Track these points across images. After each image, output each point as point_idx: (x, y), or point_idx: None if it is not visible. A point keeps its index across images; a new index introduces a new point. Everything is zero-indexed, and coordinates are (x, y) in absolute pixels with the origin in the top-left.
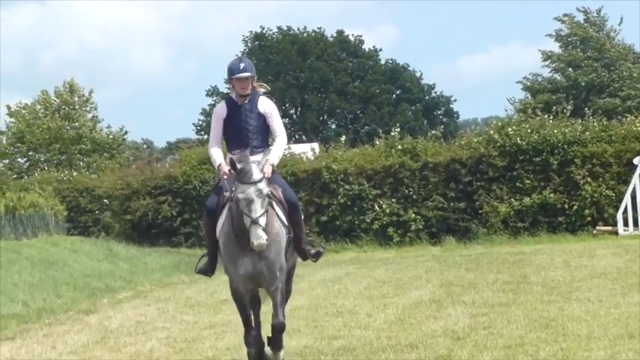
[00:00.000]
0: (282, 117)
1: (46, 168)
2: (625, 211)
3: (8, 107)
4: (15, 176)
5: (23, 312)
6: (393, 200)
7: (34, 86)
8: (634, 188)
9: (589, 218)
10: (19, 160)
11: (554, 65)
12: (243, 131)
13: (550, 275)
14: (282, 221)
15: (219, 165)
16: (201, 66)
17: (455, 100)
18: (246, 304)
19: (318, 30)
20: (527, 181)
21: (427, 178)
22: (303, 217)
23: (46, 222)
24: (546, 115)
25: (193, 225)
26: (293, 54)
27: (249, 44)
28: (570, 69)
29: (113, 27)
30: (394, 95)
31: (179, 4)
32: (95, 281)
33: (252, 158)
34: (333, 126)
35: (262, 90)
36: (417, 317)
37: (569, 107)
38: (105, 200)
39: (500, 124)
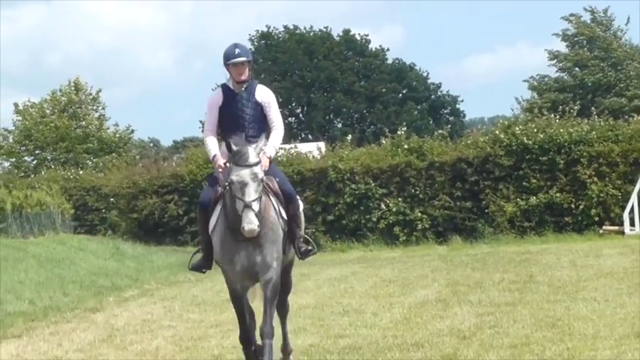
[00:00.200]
0: (289, 116)
1: (53, 166)
2: (631, 210)
3: (16, 105)
4: (22, 174)
5: (30, 310)
6: (400, 199)
7: (41, 86)
8: None
9: (595, 218)
10: (26, 158)
11: (560, 65)
12: (239, 120)
13: (556, 275)
14: (279, 212)
15: (215, 156)
16: (208, 66)
17: (462, 101)
18: (244, 304)
19: (324, 29)
20: (534, 181)
21: (433, 177)
22: (302, 208)
23: (53, 220)
24: (553, 115)
25: None
26: (299, 53)
27: (255, 43)
28: (577, 68)
29: (121, 27)
30: (400, 94)
31: (186, 5)
32: (102, 279)
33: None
34: (340, 125)
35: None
36: (423, 316)
37: (576, 107)
38: (111, 199)
39: (506, 123)
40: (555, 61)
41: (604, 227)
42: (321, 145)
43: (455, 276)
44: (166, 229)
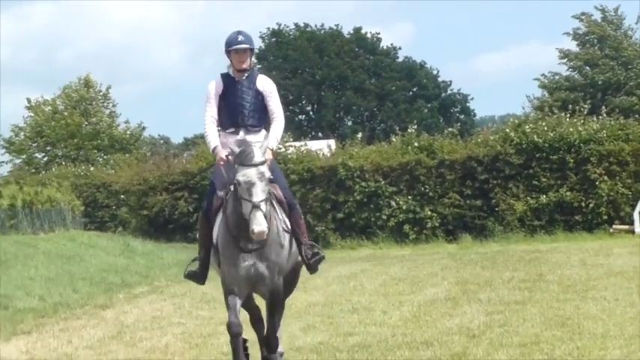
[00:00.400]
0: (299, 113)
1: (64, 163)
2: None
3: (28, 100)
4: (33, 171)
5: (39, 306)
6: (409, 197)
7: (52, 82)
8: None
9: (605, 217)
10: (36, 155)
11: (571, 63)
12: (239, 108)
13: (566, 273)
14: (282, 222)
15: (215, 148)
16: (219, 64)
17: (472, 99)
18: (237, 310)
19: (335, 27)
20: (544, 179)
21: (443, 175)
22: (302, 218)
23: (63, 217)
24: (563, 114)
25: None
26: (310, 51)
27: (266, 41)
28: (587, 67)
29: (132, 24)
30: (410, 92)
31: (198, 3)
32: (111, 276)
33: (249, 137)
34: (350, 123)
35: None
36: (432, 315)
37: (586, 105)
38: (122, 196)
39: (517, 122)
40: (566, 59)
41: (614, 226)
42: (332, 142)
43: (464, 274)
44: (176, 225)
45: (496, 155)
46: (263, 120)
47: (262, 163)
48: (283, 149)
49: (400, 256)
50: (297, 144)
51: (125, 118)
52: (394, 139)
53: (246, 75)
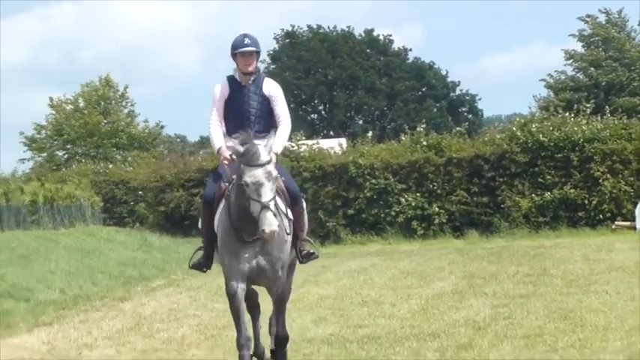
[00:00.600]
0: (312, 112)
1: (83, 160)
2: None
3: (50, 99)
4: (54, 168)
5: (60, 299)
6: (418, 194)
7: (73, 82)
8: None
9: (608, 213)
10: (57, 152)
11: (576, 64)
12: (245, 114)
13: (569, 268)
14: (285, 214)
15: (220, 149)
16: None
17: (480, 99)
18: (240, 302)
19: (346, 29)
20: (549, 177)
21: (451, 173)
22: (305, 209)
23: (83, 212)
24: (568, 113)
25: None
26: (323, 52)
27: (280, 42)
28: (592, 68)
29: (150, 27)
30: (420, 92)
31: (214, 5)
32: (130, 270)
33: (255, 142)
34: (361, 122)
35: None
36: (439, 307)
37: (590, 105)
38: (140, 192)
39: (522, 121)
40: (571, 60)
41: (616, 222)
42: (343, 141)
43: (471, 269)
44: (192, 221)
45: (502, 154)
46: (269, 125)
47: (269, 162)
48: (296, 147)
49: (409, 251)
50: (310, 142)
51: (144, 117)
52: (403, 138)
53: (252, 79)
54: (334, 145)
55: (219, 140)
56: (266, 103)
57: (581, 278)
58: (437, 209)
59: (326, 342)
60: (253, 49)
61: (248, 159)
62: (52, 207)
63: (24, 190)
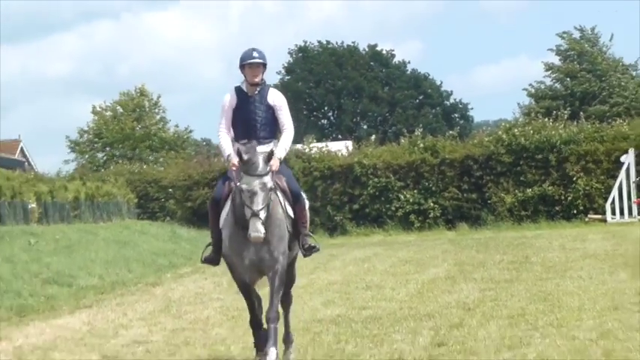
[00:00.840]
0: (321, 118)
1: (120, 161)
2: (613, 201)
3: (93, 106)
4: (94, 169)
5: (99, 284)
6: (415, 191)
7: (112, 92)
8: (621, 182)
9: (582, 208)
10: (97, 154)
11: (554, 76)
12: (251, 122)
13: (548, 256)
14: (285, 210)
15: (229, 156)
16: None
17: (472, 108)
18: (252, 292)
19: (352, 44)
20: (530, 175)
21: (444, 172)
22: (307, 207)
23: (120, 208)
24: (547, 119)
25: None
26: (331, 65)
27: (293, 56)
28: (568, 79)
29: (180, 43)
30: (417, 100)
31: (234, 24)
32: (161, 259)
33: (260, 149)
34: (365, 126)
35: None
36: (434, 291)
37: (567, 112)
38: (170, 190)
39: (507, 126)
40: (550, 72)
41: (589, 216)
42: (349, 143)
43: (461, 257)
44: None
45: (489, 155)
46: (274, 132)
47: (266, 174)
48: (308, 149)
49: (407, 242)
50: (320, 145)
51: (175, 122)
52: (403, 141)
53: (258, 90)
54: (341, 148)
55: (228, 147)
56: (271, 112)
57: (558, 265)
58: (432, 204)
59: (334, 322)
60: (260, 61)
61: (247, 168)
62: (92, 203)
63: (68, 188)
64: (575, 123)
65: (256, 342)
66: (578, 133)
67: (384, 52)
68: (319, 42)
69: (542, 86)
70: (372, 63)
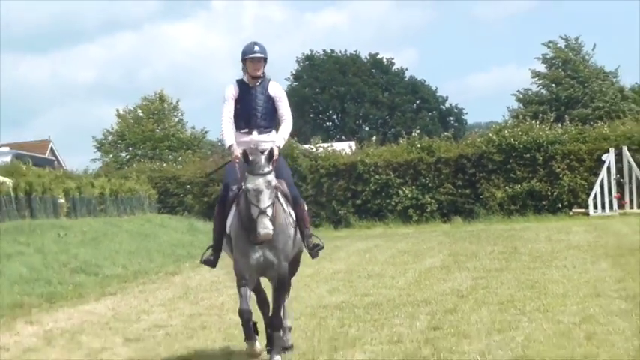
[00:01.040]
0: (327, 121)
1: (142, 160)
2: (595, 197)
3: (117, 110)
4: (118, 167)
5: (123, 273)
6: (413, 187)
7: (134, 97)
8: (602, 179)
9: (566, 202)
10: (121, 154)
11: (541, 82)
12: (252, 111)
13: (535, 247)
14: (288, 214)
15: (231, 146)
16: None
17: (467, 113)
18: (248, 287)
19: (355, 53)
20: (519, 173)
21: (440, 170)
22: (306, 211)
23: (142, 203)
24: (534, 121)
25: None
26: (336, 72)
27: (301, 64)
28: (553, 85)
29: (197, 50)
30: (415, 105)
31: (246, 33)
32: (179, 249)
33: (260, 137)
34: (367, 128)
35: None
36: (430, 279)
37: (552, 115)
38: (187, 186)
39: (498, 127)
40: (537, 78)
41: (573, 210)
42: (352, 144)
43: (456, 248)
44: None
45: (481, 154)
46: (273, 122)
47: (269, 173)
48: (314, 149)
49: (405, 234)
50: (325, 145)
51: (192, 124)
52: (402, 142)
53: (259, 82)
54: (345, 148)
55: (230, 138)
56: (271, 103)
57: (545, 255)
58: (429, 200)
59: (338, 307)
60: (261, 55)
61: (252, 168)
62: (116, 198)
63: (94, 184)
64: (560, 125)
65: (245, 332)
66: (563, 134)
67: (384, 60)
68: (324, 51)
69: (530, 92)
70: (373, 70)
